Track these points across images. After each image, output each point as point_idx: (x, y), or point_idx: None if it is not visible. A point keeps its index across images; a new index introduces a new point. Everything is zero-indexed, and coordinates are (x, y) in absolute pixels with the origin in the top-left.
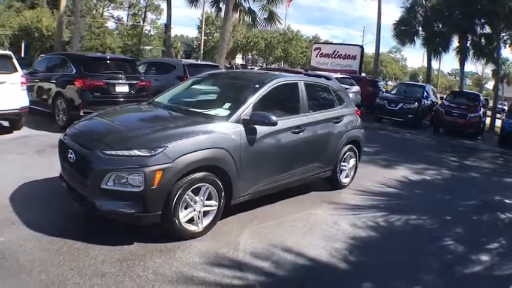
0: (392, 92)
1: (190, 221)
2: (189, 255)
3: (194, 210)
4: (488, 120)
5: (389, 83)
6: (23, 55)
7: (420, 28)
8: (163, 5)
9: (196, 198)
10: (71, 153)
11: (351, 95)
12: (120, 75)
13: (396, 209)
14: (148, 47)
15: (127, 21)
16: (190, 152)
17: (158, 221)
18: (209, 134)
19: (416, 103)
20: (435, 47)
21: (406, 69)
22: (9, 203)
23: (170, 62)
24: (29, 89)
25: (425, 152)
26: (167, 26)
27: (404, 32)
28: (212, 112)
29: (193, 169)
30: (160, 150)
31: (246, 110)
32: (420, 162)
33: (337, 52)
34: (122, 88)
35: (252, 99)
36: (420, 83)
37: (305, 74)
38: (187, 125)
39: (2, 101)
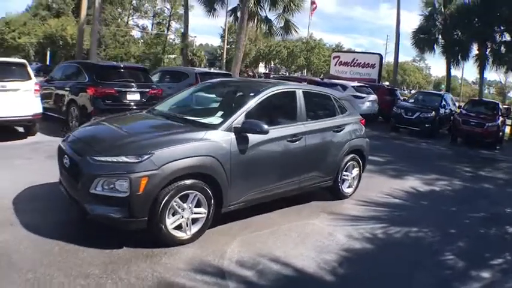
0: (409, 101)
1: (179, 227)
2: (174, 261)
3: (182, 217)
4: (507, 129)
5: (413, 91)
6: (48, 63)
7: (440, 36)
8: (189, 14)
9: (184, 205)
10: (66, 159)
11: (367, 103)
12: (131, 84)
13: (397, 220)
14: (172, 56)
15: (151, 30)
16: (177, 159)
17: (145, 226)
18: (198, 141)
19: (433, 112)
20: (454, 55)
21: (429, 78)
22: (11, 205)
23: (183, 71)
24: (45, 96)
25: (439, 162)
26: (184, 35)
27: (423, 40)
28: (205, 120)
29: (180, 176)
30: (146, 157)
31: (238, 118)
32: (432, 172)
33: (356, 60)
34: (134, 96)
35: (245, 108)
36: (438, 92)
37: (320, 83)
38: (177, 133)
39: (15, 108)
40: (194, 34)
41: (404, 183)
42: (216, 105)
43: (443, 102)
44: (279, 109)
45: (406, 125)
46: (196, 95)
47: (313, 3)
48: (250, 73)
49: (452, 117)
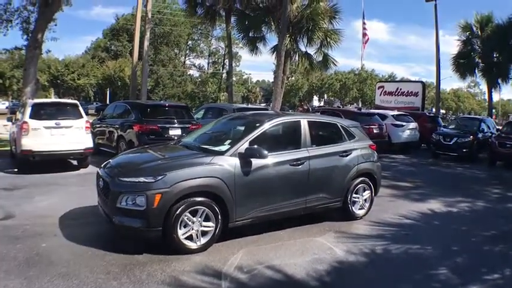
0: (450, 127)
1: (190, 238)
2: (183, 265)
3: (192, 229)
4: None
5: None
6: (108, 102)
7: (480, 60)
8: (241, 52)
9: (194, 218)
10: (101, 181)
11: (407, 131)
12: (174, 120)
13: (401, 238)
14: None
15: (207, 69)
16: (186, 180)
17: (160, 235)
18: (205, 165)
19: (471, 136)
20: (494, 78)
21: (483, 104)
22: (58, 221)
23: (223, 107)
24: (99, 133)
25: (469, 185)
26: (229, 74)
27: (463, 65)
28: (216, 148)
29: (189, 194)
30: (160, 177)
31: (242, 145)
32: (456, 195)
33: (400, 89)
34: (175, 131)
35: (249, 136)
36: (477, 116)
37: (357, 114)
38: (188, 158)
39: (69, 143)
40: (249, 71)
41: (423, 205)
42: (227, 134)
43: (483, 126)
44: (283, 136)
45: (445, 150)
46: (216, 127)
47: (364, 35)
48: (305, 107)
49: (489, 140)
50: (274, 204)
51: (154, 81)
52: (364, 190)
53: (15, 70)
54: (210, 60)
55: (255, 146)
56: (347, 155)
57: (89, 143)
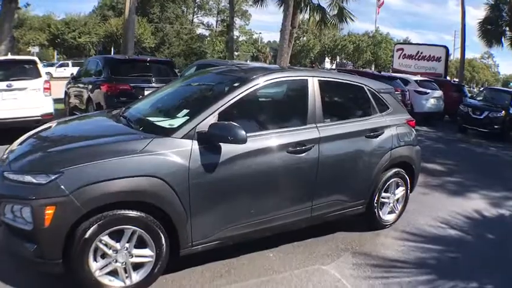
0: (477, 98)
1: (114, 273)
2: None
3: (116, 261)
4: None
5: (482, 89)
6: None
7: (507, 28)
8: (251, 10)
9: (117, 245)
10: None
11: (432, 100)
12: (150, 79)
13: (449, 267)
14: (236, 53)
15: (216, 27)
16: (97, 182)
17: (62, 270)
18: (135, 155)
19: (503, 111)
20: None
21: (497, 76)
22: None
23: (216, 64)
24: (71, 94)
25: (509, 173)
26: (229, 27)
27: (489, 31)
28: (166, 123)
29: (105, 206)
30: (54, 177)
31: (205, 119)
32: (501, 188)
33: (421, 53)
34: None
35: (218, 104)
36: (508, 89)
37: (375, 76)
38: (108, 143)
39: (22, 108)
40: (260, 31)
41: (466, 203)
42: (188, 100)
43: None
44: (278, 106)
45: (474, 125)
46: (181, 87)
47: None
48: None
49: None
50: (258, 217)
51: (160, 39)
52: (398, 186)
53: None
54: (219, 18)
55: (226, 123)
56: (377, 136)
57: (48, 108)
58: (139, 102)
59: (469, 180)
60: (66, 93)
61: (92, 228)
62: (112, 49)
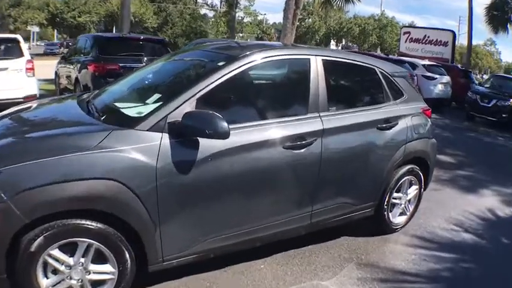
0: (485, 86)
1: None
2: None
3: (70, 278)
4: None
5: (485, 76)
6: None
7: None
8: None
9: (71, 260)
10: None
11: (440, 86)
12: (141, 58)
13: (463, 279)
14: (240, 34)
15: (220, 7)
16: (42, 185)
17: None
18: (86, 152)
19: (511, 100)
20: None
21: (499, 63)
22: None
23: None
24: (61, 75)
25: None
26: (230, 6)
27: (496, 17)
28: (132, 111)
29: (53, 214)
30: None
31: (180, 107)
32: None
33: (428, 37)
34: None
35: (199, 87)
36: None
37: (383, 59)
38: (58, 135)
39: (2, 90)
40: (265, 12)
41: (479, 201)
42: (166, 82)
43: None
44: (272, 91)
45: (481, 113)
46: (159, 68)
47: None
48: None
49: None
50: (245, 226)
51: (163, 19)
52: (410, 185)
53: None
54: None
55: (204, 111)
56: (390, 127)
57: (31, 89)
58: (116, 84)
59: (479, 173)
60: (56, 73)
61: (37, 241)
62: (114, 29)
